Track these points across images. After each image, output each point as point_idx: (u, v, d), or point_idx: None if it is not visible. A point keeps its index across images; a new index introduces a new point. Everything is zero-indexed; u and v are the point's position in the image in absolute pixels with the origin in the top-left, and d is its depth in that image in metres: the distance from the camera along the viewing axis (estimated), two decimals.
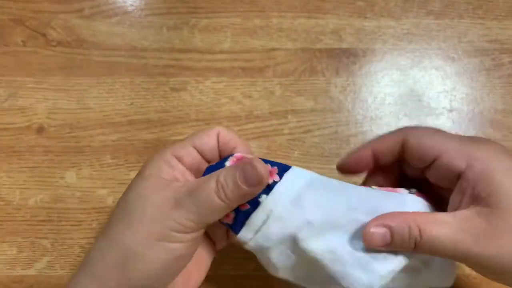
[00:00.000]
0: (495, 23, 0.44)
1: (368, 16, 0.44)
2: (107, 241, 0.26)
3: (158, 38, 0.43)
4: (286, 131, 0.41)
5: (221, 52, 0.43)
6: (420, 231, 0.25)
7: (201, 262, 0.30)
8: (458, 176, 0.26)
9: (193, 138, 0.29)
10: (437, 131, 0.28)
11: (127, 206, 0.27)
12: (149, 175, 0.27)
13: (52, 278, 0.38)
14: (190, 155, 0.28)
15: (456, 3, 0.44)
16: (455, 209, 0.26)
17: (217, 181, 0.26)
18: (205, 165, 0.28)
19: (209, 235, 0.31)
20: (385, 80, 0.43)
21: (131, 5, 0.45)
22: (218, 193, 0.25)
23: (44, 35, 0.43)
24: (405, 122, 0.41)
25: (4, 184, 0.40)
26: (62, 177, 0.40)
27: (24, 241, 0.38)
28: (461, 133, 0.41)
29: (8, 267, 0.38)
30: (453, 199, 0.27)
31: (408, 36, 0.44)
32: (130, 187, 0.27)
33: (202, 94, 0.42)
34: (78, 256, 0.38)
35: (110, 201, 0.39)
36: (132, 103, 0.42)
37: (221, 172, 0.26)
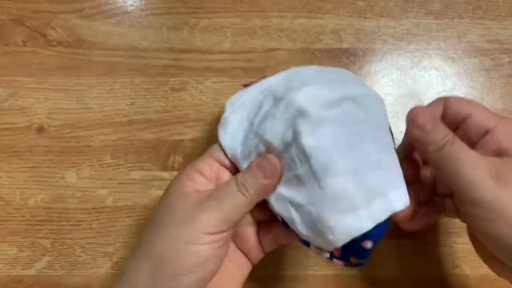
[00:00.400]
0: (495, 23, 0.44)
1: (368, 16, 0.44)
2: (140, 251, 0.27)
3: (158, 38, 0.43)
4: None
5: (221, 52, 0.43)
6: (454, 139, 0.27)
7: (233, 276, 0.30)
8: (484, 133, 0.28)
9: (211, 150, 0.30)
10: (468, 98, 0.31)
11: (155, 218, 0.28)
12: (173, 191, 0.28)
13: (52, 278, 0.38)
14: (209, 166, 0.30)
15: (456, 3, 0.44)
16: None
17: (237, 181, 0.28)
18: (224, 172, 0.30)
19: (241, 249, 0.31)
20: (385, 80, 0.43)
21: (131, 5, 0.45)
22: (240, 189, 0.27)
23: (44, 35, 0.43)
24: (405, 122, 0.41)
25: (4, 184, 0.40)
26: (62, 177, 0.40)
27: (24, 241, 0.38)
28: None
29: (8, 267, 0.38)
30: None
31: (408, 36, 0.44)
32: (157, 204, 0.29)
33: (202, 94, 0.42)
34: (78, 256, 0.38)
35: (110, 201, 0.39)
36: (132, 103, 0.42)
37: (238, 174, 0.28)
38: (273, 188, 0.28)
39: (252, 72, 0.42)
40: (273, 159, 0.28)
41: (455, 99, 0.30)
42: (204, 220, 0.26)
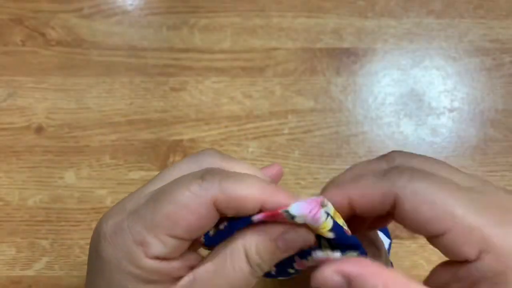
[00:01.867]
0: (496, 22, 0.44)
1: (368, 16, 0.44)
2: None
3: (158, 37, 0.43)
4: (286, 131, 0.41)
5: (221, 51, 0.43)
6: None
7: None
8: (462, 261, 0.19)
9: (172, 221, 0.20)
10: (437, 188, 0.19)
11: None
12: (110, 258, 0.20)
13: (51, 278, 0.38)
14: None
15: (457, 3, 0.44)
16: None
17: (251, 261, 0.20)
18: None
19: None
20: (386, 79, 0.43)
21: (131, 4, 0.44)
22: (255, 273, 0.20)
23: (43, 34, 0.43)
24: (405, 122, 0.41)
25: (3, 184, 0.40)
26: (61, 177, 0.40)
27: (23, 242, 0.38)
28: (462, 133, 0.41)
29: (7, 267, 0.38)
30: (443, 278, 0.21)
31: (409, 35, 0.43)
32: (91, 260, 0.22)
33: (202, 94, 0.42)
34: (77, 257, 0.38)
35: (109, 201, 0.39)
36: (131, 103, 0.42)
37: (250, 247, 0.20)
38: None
39: (252, 72, 0.42)
40: (304, 232, 0.20)
41: (409, 200, 0.19)
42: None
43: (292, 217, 0.19)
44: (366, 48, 0.43)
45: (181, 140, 0.40)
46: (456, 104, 0.42)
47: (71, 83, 0.42)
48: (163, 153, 0.40)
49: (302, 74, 0.42)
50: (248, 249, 0.20)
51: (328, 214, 0.20)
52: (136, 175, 0.40)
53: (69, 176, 0.40)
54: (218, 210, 0.19)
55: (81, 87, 0.42)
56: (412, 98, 0.42)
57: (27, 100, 0.42)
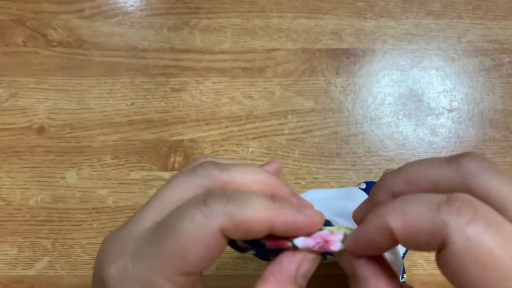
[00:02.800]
0: (495, 23, 0.44)
1: (368, 17, 0.44)
2: None
3: (159, 38, 0.43)
4: (286, 131, 0.41)
5: (221, 52, 0.43)
6: None
7: None
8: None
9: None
10: (499, 243, 0.15)
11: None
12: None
13: (52, 278, 0.38)
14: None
15: (456, 3, 0.44)
16: None
17: None
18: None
19: None
20: (385, 80, 0.43)
21: (132, 5, 0.45)
22: None
23: (44, 35, 0.43)
24: (405, 122, 0.41)
25: (5, 184, 0.40)
26: (62, 177, 0.40)
27: (25, 241, 0.38)
28: (461, 133, 0.41)
29: (9, 267, 0.38)
30: None
31: (408, 36, 0.44)
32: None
33: (203, 94, 0.42)
34: (78, 256, 0.38)
35: (111, 201, 0.39)
36: (132, 103, 0.42)
37: None
38: None
39: (252, 72, 0.42)
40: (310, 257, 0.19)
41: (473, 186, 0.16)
42: None
43: (297, 247, 0.19)
44: (365, 49, 0.43)
45: (182, 140, 0.41)
46: (455, 104, 0.42)
47: (73, 83, 0.42)
48: (164, 153, 0.40)
49: (302, 75, 0.42)
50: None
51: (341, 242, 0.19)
52: (137, 175, 0.40)
53: (71, 176, 0.40)
54: (225, 236, 0.18)
55: (82, 88, 0.42)
56: (411, 98, 0.42)
57: (28, 101, 0.42)
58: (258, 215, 0.18)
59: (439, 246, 0.15)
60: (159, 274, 0.18)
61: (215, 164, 0.20)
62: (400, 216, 0.16)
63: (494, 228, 0.14)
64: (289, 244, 0.19)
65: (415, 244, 0.16)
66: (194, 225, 0.17)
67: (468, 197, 0.16)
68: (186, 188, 0.20)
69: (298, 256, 0.19)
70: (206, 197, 0.18)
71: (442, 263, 0.15)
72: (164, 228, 0.18)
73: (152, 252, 0.18)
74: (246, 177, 0.20)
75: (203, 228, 0.17)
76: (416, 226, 0.16)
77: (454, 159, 0.17)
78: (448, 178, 0.17)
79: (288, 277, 0.19)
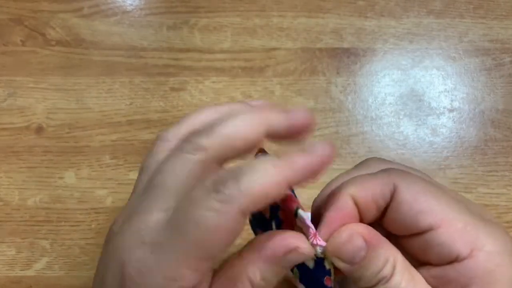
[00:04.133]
0: (496, 22, 0.44)
1: (368, 16, 0.44)
2: None
3: (158, 37, 0.43)
4: None
5: (221, 51, 0.43)
6: (392, 275, 0.19)
7: None
8: (452, 259, 0.19)
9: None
10: (431, 188, 0.20)
11: None
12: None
13: (51, 278, 0.38)
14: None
15: (457, 3, 0.44)
16: None
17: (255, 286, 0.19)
18: None
19: None
20: (386, 79, 0.43)
21: (131, 4, 0.44)
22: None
23: (43, 34, 0.43)
24: (405, 122, 0.41)
25: (3, 184, 0.40)
26: (61, 177, 0.40)
27: (23, 242, 0.38)
28: (463, 133, 0.41)
29: (7, 267, 0.38)
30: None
31: (408, 35, 0.43)
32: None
33: (202, 94, 0.42)
34: (77, 257, 0.38)
35: (109, 201, 0.39)
36: (131, 103, 0.42)
37: (254, 276, 0.19)
38: None
39: (252, 72, 0.42)
40: (290, 239, 0.19)
41: (407, 192, 0.20)
42: None
43: (296, 215, 0.19)
44: (366, 48, 0.43)
45: None
46: (456, 104, 0.42)
47: (71, 83, 0.42)
48: None
49: (302, 74, 0.42)
50: (253, 279, 0.19)
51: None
52: (136, 175, 0.39)
53: (69, 176, 0.40)
54: (245, 214, 0.17)
55: (81, 87, 0.42)
56: (412, 98, 0.42)
57: (27, 100, 0.42)
58: (272, 179, 0.17)
59: (390, 195, 0.20)
60: (183, 265, 0.17)
61: (198, 133, 0.19)
62: (356, 183, 0.20)
63: (422, 179, 0.21)
64: (295, 207, 0.19)
65: (372, 203, 0.20)
66: (213, 213, 0.17)
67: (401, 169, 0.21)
68: (183, 170, 0.19)
69: (292, 241, 0.19)
70: (214, 184, 0.17)
71: (394, 212, 0.20)
72: (181, 220, 0.17)
73: (174, 244, 0.17)
74: (237, 130, 0.19)
75: (223, 214, 0.17)
76: (370, 185, 0.20)
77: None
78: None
79: (274, 257, 0.19)
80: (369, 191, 0.20)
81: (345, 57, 0.43)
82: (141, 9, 0.44)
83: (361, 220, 0.21)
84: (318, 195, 0.23)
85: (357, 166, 0.23)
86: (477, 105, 0.42)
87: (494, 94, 0.42)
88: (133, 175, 0.40)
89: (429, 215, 0.19)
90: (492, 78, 0.42)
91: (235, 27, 0.43)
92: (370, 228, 0.20)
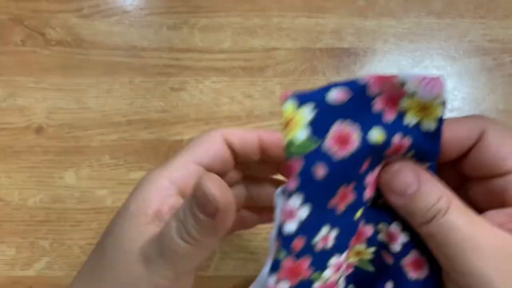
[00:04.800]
0: (496, 22, 0.44)
1: (368, 16, 0.44)
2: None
3: (158, 37, 0.43)
4: None
5: (221, 51, 0.43)
6: (448, 207, 0.20)
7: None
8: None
9: (191, 151, 0.23)
10: None
11: (102, 256, 0.22)
12: (132, 213, 0.22)
13: (51, 278, 0.38)
14: (189, 175, 0.23)
15: (457, 3, 0.44)
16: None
17: (177, 218, 0.20)
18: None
19: None
20: None
21: (131, 4, 0.44)
22: (179, 232, 0.20)
23: (43, 34, 0.43)
24: None
25: (3, 184, 0.40)
26: (61, 177, 0.40)
27: (23, 242, 0.38)
28: None
29: (7, 267, 0.38)
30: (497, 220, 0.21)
31: (409, 35, 0.43)
32: (112, 222, 0.23)
33: (202, 94, 0.42)
34: (77, 257, 0.38)
35: (110, 201, 0.39)
36: (131, 103, 0.41)
37: (182, 205, 0.21)
38: (228, 228, 0.21)
39: (252, 72, 0.42)
40: (211, 187, 0.19)
41: (494, 136, 0.21)
42: (150, 283, 0.20)
43: (403, 83, 0.19)
44: (366, 48, 0.43)
45: (181, 140, 0.40)
46: (456, 104, 0.42)
47: (71, 83, 0.42)
48: (163, 153, 0.40)
49: (302, 74, 0.42)
50: (179, 208, 0.21)
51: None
52: (136, 175, 0.40)
53: (69, 176, 0.40)
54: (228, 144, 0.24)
55: (81, 87, 0.42)
56: None
57: (27, 100, 0.42)
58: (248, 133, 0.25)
59: (476, 137, 0.21)
60: (174, 160, 0.23)
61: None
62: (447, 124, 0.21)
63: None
64: (396, 80, 0.19)
65: (460, 141, 0.21)
66: (206, 134, 0.24)
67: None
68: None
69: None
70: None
71: (479, 152, 0.20)
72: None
73: (173, 156, 0.24)
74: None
75: (212, 134, 0.24)
76: (460, 126, 0.21)
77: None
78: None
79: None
80: (456, 132, 0.21)
81: (345, 57, 0.43)
82: (141, 9, 0.44)
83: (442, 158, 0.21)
84: None
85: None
86: (477, 105, 0.42)
87: (494, 94, 0.42)
88: (133, 175, 0.40)
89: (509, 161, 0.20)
90: (492, 78, 0.42)
91: (235, 27, 0.43)
92: (423, 169, 0.21)
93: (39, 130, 0.41)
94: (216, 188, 0.19)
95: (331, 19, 0.44)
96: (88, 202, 0.39)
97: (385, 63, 0.43)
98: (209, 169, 0.23)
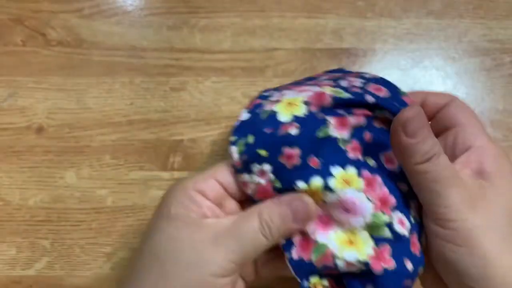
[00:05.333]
0: (496, 22, 0.44)
1: (368, 16, 0.44)
2: None
3: (158, 37, 0.43)
4: None
5: (221, 52, 0.43)
6: (440, 152, 0.25)
7: None
8: (467, 148, 0.28)
9: (215, 171, 0.27)
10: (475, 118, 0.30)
11: (157, 251, 0.24)
12: (176, 215, 0.25)
13: (51, 278, 0.38)
14: (213, 189, 0.26)
15: (457, 3, 0.44)
16: None
17: (261, 218, 0.24)
18: (229, 200, 0.27)
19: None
20: None
21: (131, 4, 0.44)
22: (262, 230, 0.24)
23: (43, 35, 0.43)
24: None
25: (4, 184, 0.40)
26: (61, 177, 0.40)
27: (24, 241, 0.38)
28: None
29: (7, 267, 0.38)
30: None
31: (408, 36, 0.44)
32: (155, 229, 0.25)
33: (202, 94, 0.42)
34: (77, 257, 0.38)
35: (110, 201, 0.39)
36: (131, 103, 0.42)
37: (263, 209, 0.25)
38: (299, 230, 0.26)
39: (252, 72, 0.42)
40: (310, 202, 0.25)
41: (452, 104, 0.29)
42: (219, 262, 0.23)
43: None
44: (365, 49, 0.43)
45: (182, 140, 0.41)
46: None
47: (72, 83, 0.42)
48: (164, 153, 0.40)
49: (302, 75, 0.42)
50: (261, 211, 0.25)
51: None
52: (136, 175, 0.40)
53: (70, 176, 0.40)
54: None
55: (82, 87, 0.42)
56: (412, 98, 0.42)
57: (27, 100, 0.42)
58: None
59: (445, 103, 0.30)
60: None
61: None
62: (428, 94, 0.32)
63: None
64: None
65: (436, 105, 0.30)
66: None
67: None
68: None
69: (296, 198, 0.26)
70: None
71: (442, 113, 0.30)
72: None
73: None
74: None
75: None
76: (435, 93, 0.31)
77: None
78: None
79: (280, 201, 0.26)
80: (435, 99, 0.31)
81: (345, 58, 0.43)
82: (141, 9, 0.44)
83: None
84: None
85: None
86: (477, 105, 0.42)
87: (494, 94, 0.42)
88: (133, 175, 0.40)
89: (455, 121, 0.29)
90: (491, 78, 0.42)
91: (235, 27, 0.44)
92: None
93: (39, 130, 0.41)
94: (312, 204, 0.26)
95: (331, 19, 0.44)
96: (88, 202, 0.39)
97: (384, 63, 0.43)
98: (223, 184, 0.27)
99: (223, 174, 0.27)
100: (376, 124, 0.27)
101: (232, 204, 0.27)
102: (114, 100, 0.42)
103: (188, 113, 0.41)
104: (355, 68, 0.42)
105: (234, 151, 0.26)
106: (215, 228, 0.24)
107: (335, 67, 0.42)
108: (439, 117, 0.30)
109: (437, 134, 0.29)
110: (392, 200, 0.26)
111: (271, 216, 0.24)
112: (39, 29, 0.43)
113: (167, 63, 0.43)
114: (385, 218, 0.25)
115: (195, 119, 0.41)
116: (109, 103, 0.42)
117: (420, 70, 0.43)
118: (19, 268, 0.38)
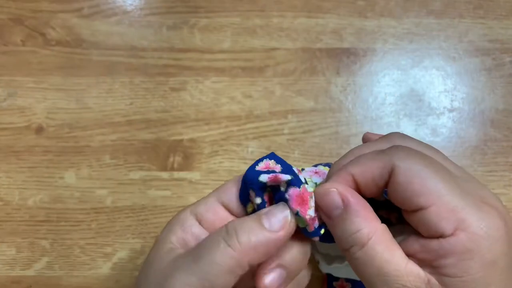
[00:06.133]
0: (496, 22, 0.44)
1: (368, 16, 0.44)
2: None
3: (158, 37, 0.43)
4: (286, 131, 0.41)
5: (221, 51, 0.43)
6: (369, 237, 0.21)
7: None
8: (438, 235, 0.21)
9: (218, 192, 0.25)
10: (428, 168, 0.21)
11: (139, 276, 0.24)
12: (160, 238, 0.24)
13: (51, 278, 0.38)
14: (215, 212, 0.24)
15: (457, 3, 0.44)
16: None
17: (227, 226, 0.22)
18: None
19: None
20: (386, 79, 0.43)
21: (131, 4, 0.44)
22: (227, 238, 0.22)
23: (43, 34, 0.43)
24: (405, 122, 0.41)
25: (3, 184, 0.40)
26: (61, 177, 0.40)
27: (23, 242, 0.38)
28: (462, 133, 0.41)
29: (7, 267, 0.38)
30: (412, 248, 0.22)
31: (408, 35, 0.43)
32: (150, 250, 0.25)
33: (202, 94, 0.42)
34: (77, 257, 0.38)
35: (109, 201, 0.39)
36: (131, 103, 0.42)
37: (228, 225, 0.22)
38: (278, 247, 0.22)
39: (252, 72, 0.42)
40: (286, 213, 0.22)
41: (403, 175, 0.21)
42: (175, 286, 0.21)
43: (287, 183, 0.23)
44: (366, 48, 0.43)
45: (181, 140, 0.40)
46: (456, 104, 0.42)
47: (71, 83, 0.42)
48: (163, 153, 0.40)
49: (302, 74, 0.42)
50: (231, 220, 0.23)
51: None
52: (136, 175, 0.40)
53: (69, 176, 0.40)
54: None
55: (81, 87, 0.42)
56: (412, 98, 0.42)
57: (27, 100, 0.42)
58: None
59: (387, 176, 0.21)
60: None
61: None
62: (358, 165, 0.22)
63: (422, 159, 0.21)
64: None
65: (372, 183, 0.22)
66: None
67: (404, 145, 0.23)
68: None
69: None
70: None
71: (392, 191, 0.21)
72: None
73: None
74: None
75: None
76: (370, 167, 0.22)
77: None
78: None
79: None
80: (368, 173, 0.22)
81: (345, 57, 0.43)
82: (141, 9, 0.44)
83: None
84: (331, 167, 0.25)
85: (379, 139, 0.25)
86: (477, 105, 0.42)
87: (494, 94, 0.42)
88: (133, 175, 0.40)
89: (421, 197, 0.21)
90: (492, 78, 0.42)
91: (235, 27, 0.43)
92: (357, 195, 0.22)
93: (39, 130, 0.41)
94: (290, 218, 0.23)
95: (331, 19, 0.44)
96: (88, 202, 0.39)
97: (385, 63, 0.43)
98: (226, 205, 0.25)
99: (228, 195, 0.24)
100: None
101: None
102: (114, 100, 0.42)
103: (188, 113, 0.41)
104: (355, 68, 0.42)
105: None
106: (180, 252, 0.23)
107: (335, 66, 0.42)
108: (390, 194, 0.22)
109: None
110: None
111: (241, 222, 0.22)
112: (39, 29, 0.43)
113: (167, 63, 0.43)
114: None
115: (195, 119, 0.41)
116: (109, 103, 0.42)
117: (420, 70, 0.43)
118: (18, 268, 0.38)
